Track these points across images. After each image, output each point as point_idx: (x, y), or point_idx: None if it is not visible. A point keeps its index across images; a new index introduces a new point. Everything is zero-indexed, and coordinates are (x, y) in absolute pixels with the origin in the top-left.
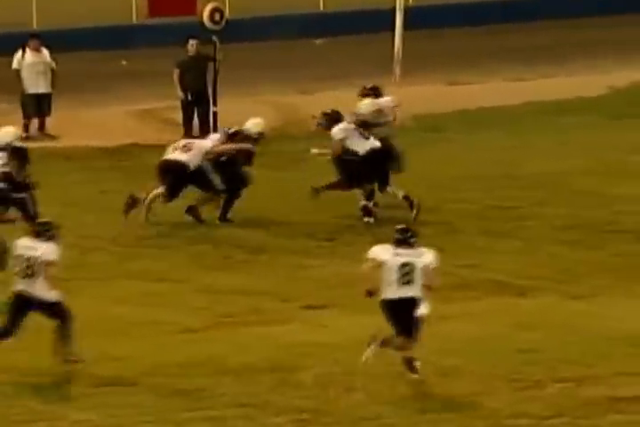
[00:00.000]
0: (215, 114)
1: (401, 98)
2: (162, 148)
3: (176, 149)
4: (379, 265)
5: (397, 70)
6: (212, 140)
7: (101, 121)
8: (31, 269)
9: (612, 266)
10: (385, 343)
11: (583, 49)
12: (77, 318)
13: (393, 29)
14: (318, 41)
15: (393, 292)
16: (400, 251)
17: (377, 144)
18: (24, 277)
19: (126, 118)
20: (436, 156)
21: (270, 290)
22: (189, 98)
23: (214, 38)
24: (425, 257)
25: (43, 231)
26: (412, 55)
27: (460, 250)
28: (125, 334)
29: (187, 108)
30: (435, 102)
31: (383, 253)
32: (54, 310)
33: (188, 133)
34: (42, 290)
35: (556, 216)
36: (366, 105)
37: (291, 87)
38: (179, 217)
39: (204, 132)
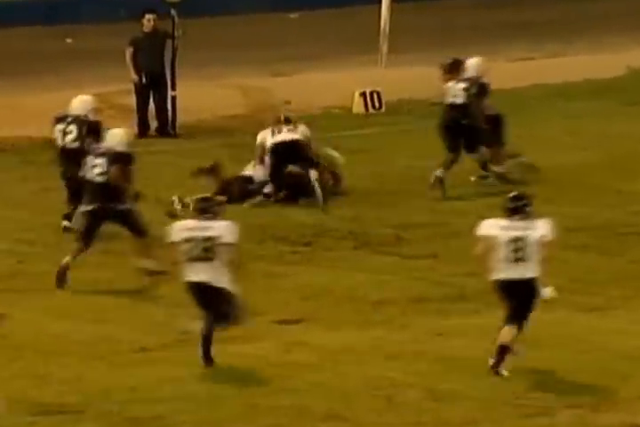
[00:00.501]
0: (174, 99)
1: (388, 81)
2: None
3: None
4: (491, 243)
5: (384, 49)
6: None
7: (43, 108)
8: (211, 251)
9: (630, 274)
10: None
11: (596, 24)
12: (13, 336)
13: (379, 1)
14: (293, 15)
15: (502, 271)
16: (510, 223)
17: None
18: (201, 262)
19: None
20: (430, 147)
21: None
22: (144, 81)
23: (173, 12)
24: (539, 229)
25: (208, 208)
26: (402, 31)
27: (456, 256)
28: (70, 353)
29: (141, 93)
30: (428, 85)
31: (492, 227)
32: (227, 297)
33: (142, 122)
34: (220, 276)
35: (565, 216)
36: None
37: (261, 68)
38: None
39: (160, 120)
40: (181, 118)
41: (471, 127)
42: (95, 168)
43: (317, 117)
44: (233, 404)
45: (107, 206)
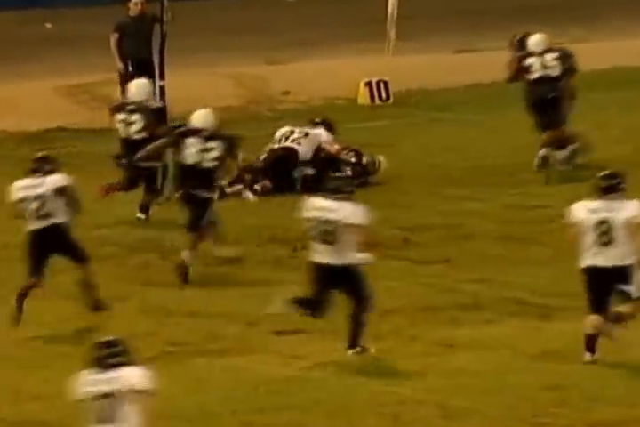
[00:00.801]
0: (162, 89)
1: (396, 70)
2: (96, 132)
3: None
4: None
5: (392, 34)
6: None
7: (19, 99)
8: (332, 234)
9: None
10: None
11: (623, 6)
12: None
13: None
14: None
15: (589, 257)
16: (597, 205)
17: None
18: (324, 244)
19: (51, 95)
20: (441, 141)
21: (231, 311)
22: (130, 69)
23: None
24: (627, 209)
25: (337, 189)
26: (411, 15)
27: (470, 260)
28: (47, 366)
29: (127, 82)
30: (438, 75)
31: (579, 210)
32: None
33: None
34: (345, 257)
35: None
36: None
37: (256, 56)
38: (118, 217)
39: None
40: (170, 110)
41: (560, 101)
42: (200, 153)
43: (319, 109)
44: (226, 422)
45: (194, 193)
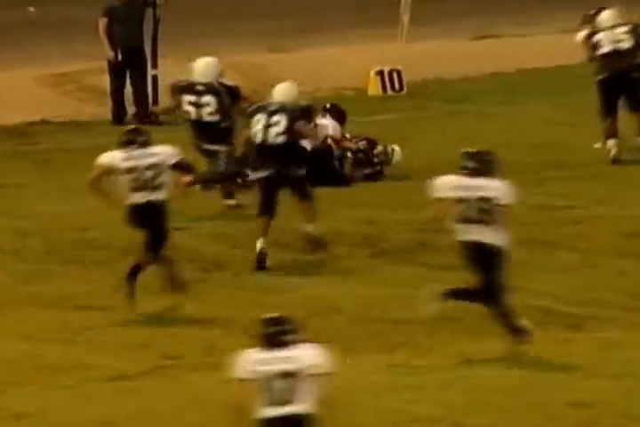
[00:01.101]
0: (155, 79)
1: (410, 58)
2: (82, 125)
3: None
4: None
5: (405, 19)
6: None
7: (0, 87)
8: (488, 213)
9: None
10: None
11: None
12: None
13: None
14: None
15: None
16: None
17: None
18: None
19: (33, 85)
20: (459, 136)
21: (230, 321)
22: (120, 57)
23: None
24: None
25: (484, 168)
26: None
27: None
28: (32, 381)
29: (117, 72)
30: (457, 63)
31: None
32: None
33: (117, 106)
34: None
35: (622, 219)
36: None
37: (258, 43)
38: (107, 217)
39: (139, 105)
40: (164, 102)
41: (636, 80)
42: (272, 128)
43: (326, 101)
44: None
45: (283, 173)
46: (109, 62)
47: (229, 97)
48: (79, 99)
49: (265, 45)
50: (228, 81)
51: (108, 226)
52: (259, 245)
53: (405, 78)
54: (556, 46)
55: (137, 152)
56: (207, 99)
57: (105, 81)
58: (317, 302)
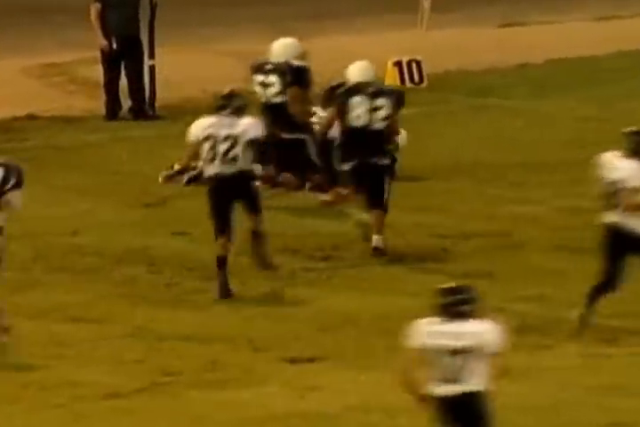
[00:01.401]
0: (152, 70)
1: (431, 47)
2: (73, 121)
3: None
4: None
5: (426, 5)
6: None
7: None
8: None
9: None
10: None
11: None
12: None
13: None
14: None
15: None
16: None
17: None
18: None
19: (20, 77)
20: (484, 132)
21: (234, 335)
22: (115, 46)
23: None
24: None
25: None
26: None
27: (520, 274)
28: (20, 399)
29: (111, 62)
30: (481, 53)
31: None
32: None
33: (111, 99)
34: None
35: None
36: None
37: (265, 30)
38: (99, 221)
39: (135, 98)
40: (162, 95)
41: None
42: (378, 111)
43: None
44: None
45: (369, 162)
46: (102, 52)
47: (292, 77)
48: (70, 91)
49: (273, 33)
50: (298, 61)
51: (100, 230)
52: (374, 241)
53: (425, 69)
54: (589, 35)
55: (225, 120)
56: (272, 78)
57: (98, 72)
58: (329, 314)
